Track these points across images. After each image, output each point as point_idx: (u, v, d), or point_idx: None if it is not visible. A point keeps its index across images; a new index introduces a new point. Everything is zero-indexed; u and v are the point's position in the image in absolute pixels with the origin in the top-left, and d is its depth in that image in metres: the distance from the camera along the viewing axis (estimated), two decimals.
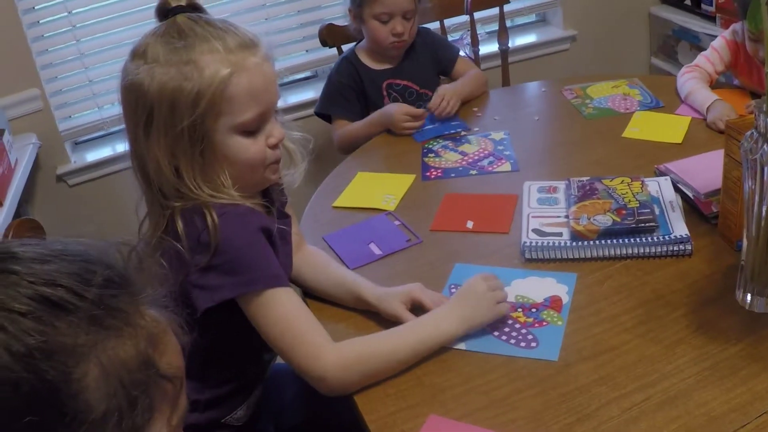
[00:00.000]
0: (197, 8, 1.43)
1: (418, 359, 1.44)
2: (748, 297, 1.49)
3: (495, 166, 2.20)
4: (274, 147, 1.46)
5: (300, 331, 1.39)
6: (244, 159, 1.42)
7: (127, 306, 0.77)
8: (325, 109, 2.79)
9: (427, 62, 2.77)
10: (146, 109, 1.35)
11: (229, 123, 1.38)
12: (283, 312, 1.39)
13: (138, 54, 1.38)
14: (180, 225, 1.38)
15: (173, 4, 1.40)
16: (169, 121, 1.35)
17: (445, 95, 2.51)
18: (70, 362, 0.70)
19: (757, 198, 1.39)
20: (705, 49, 2.56)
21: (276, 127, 1.46)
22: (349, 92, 2.72)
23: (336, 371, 1.37)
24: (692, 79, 2.44)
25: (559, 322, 1.53)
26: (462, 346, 1.49)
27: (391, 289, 1.59)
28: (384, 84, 2.72)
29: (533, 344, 1.48)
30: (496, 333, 1.52)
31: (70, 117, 3.29)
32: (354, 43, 2.82)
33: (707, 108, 2.28)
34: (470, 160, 2.25)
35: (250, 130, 1.41)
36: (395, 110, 2.48)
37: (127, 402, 0.73)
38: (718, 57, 2.50)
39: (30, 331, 0.68)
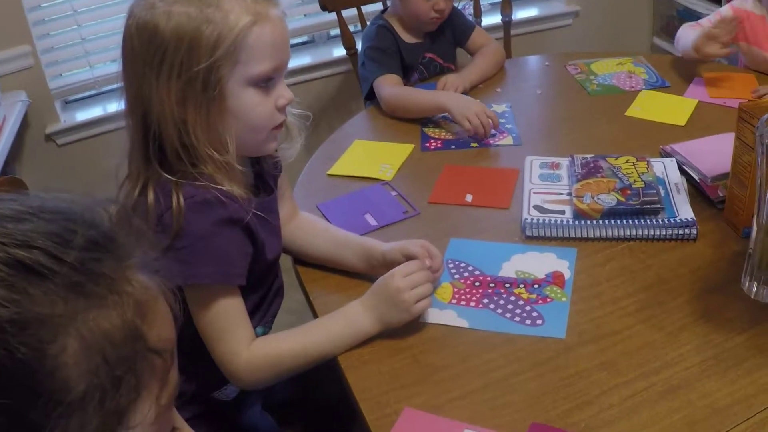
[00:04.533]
0: None
1: (332, 356, 1.41)
2: (755, 286, 1.45)
3: (497, 140, 2.15)
4: (282, 109, 1.43)
5: (225, 327, 1.39)
6: (252, 116, 1.38)
7: (112, 271, 0.70)
8: (376, 75, 2.51)
9: (447, 34, 2.69)
10: (160, 50, 1.29)
11: (245, 73, 1.34)
12: (217, 308, 1.38)
13: None
14: (150, 197, 1.34)
15: None
16: (185, 62, 1.29)
17: (446, 84, 2.43)
18: (46, 335, 0.63)
19: None
20: None
21: (286, 89, 1.43)
22: (392, 55, 2.56)
23: (247, 372, 1.40)
24: (689, 27, 2.46)
25: (564, 299, 1.49)
26: (464, 324, 1.46)
27: (401, 242, 1.55)
28: (419, 58, 2.63)
29: (539, 321, 1.44)
30: (499, 311, 1.48)
31: (61, 75, 3.24)
32: (380, 11, 2.71)
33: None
34: (471, 132, 2.19)
35: (262, 85, 1.37)
36: (472, 103, 2.22)
37: (111, 380, 0.67)
38: (722, 15, 2.46)
39: (1, 301, 0.62)
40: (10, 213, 0.68)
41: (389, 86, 2.42)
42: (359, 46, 2.75)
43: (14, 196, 0.73)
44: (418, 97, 2.36)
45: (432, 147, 2.15)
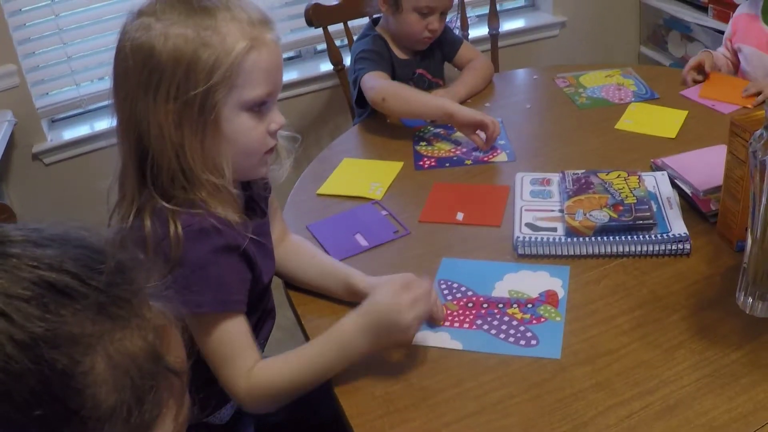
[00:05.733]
0: None
1: (328, 378, 1.39)
2: (750, 301, 1.44)
3: (491, 156, 2.14)
4: (273, 134, 1.42)
5: (228, 354, 1.37)
6: (245, 140, 1.37)
7: (133, 296, 0.73)
8: (367, 71, 2.46)
9: (436, 50, 2.67)
10: (156, 72, 1.28)
11: (240, 98, 1.33)
12: (220, 335, 1.36)
13: (146, 12, 1.30)
14: (147, 225, 1.31)
15: None
16: (182, 86, 1.28)
17: None
18: (77, 353, 0.66)
19: (764, 199, 1.33)
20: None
21: (278, 114, 1.42)
22: (386, 60, 2.52)
23: (248, 398, 1.38)
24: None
25: (558, 318, 1.48)
26: (458, 346, 1.44)
27: (383, 277, 1.50)
28: (410, 74, 2.61)
29: (533, 342, 1.43)
30: (493, 331, 1.46)
31: (47, 94, 3.21)
32: (368, 23, 2.66)
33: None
34: (464, 149, 2.19)
35: (256, 109, 1.36)
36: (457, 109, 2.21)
37: (136, 397, 0.70)
38: (724, 36, 2.60)
39: (34, 319, 0.65)
40: (35, 239, 0.71)
41: (382, 80, 2.38)
42: (346, 62, 2.74)
43: (35, 226, 0.75)
44: (419, 95, 2.31)
45: (426, 165, 2.13)
